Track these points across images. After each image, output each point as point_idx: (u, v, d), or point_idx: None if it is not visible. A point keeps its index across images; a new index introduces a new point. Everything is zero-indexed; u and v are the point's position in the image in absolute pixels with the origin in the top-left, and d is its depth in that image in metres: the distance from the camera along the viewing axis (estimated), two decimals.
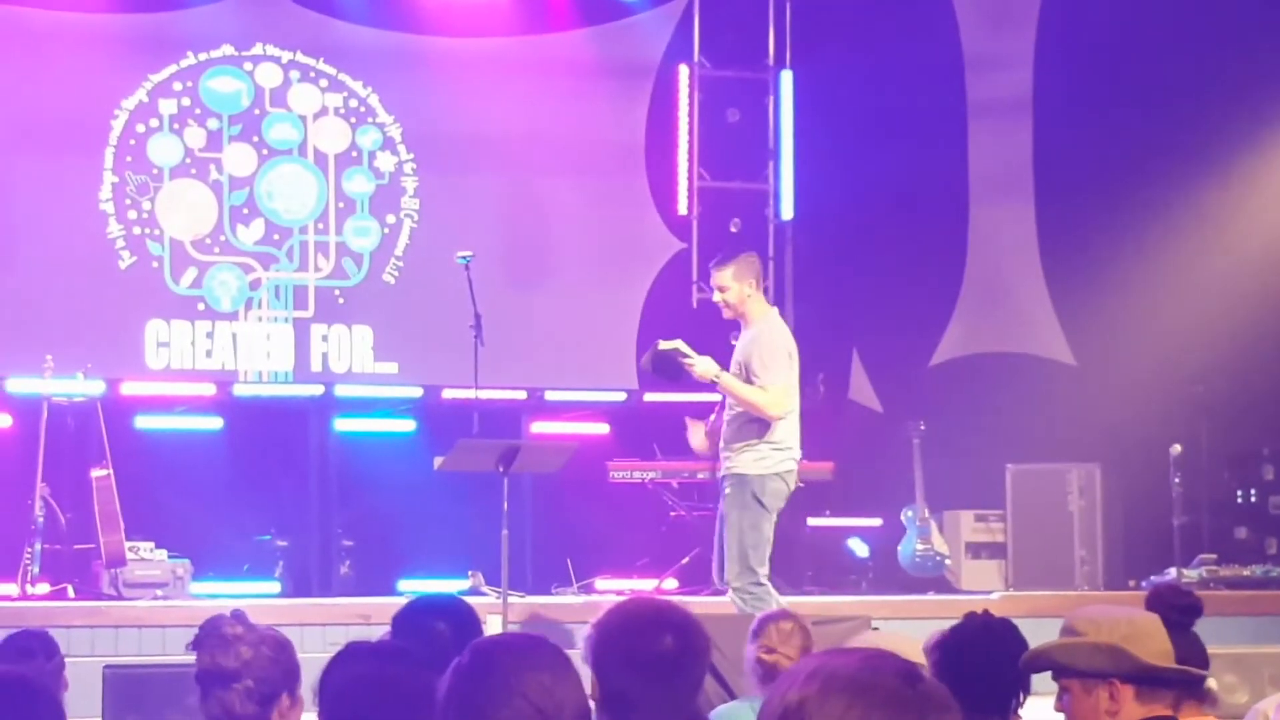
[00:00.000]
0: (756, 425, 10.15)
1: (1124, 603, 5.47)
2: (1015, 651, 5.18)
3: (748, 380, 10.09)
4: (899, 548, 13.87)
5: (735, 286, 10.14)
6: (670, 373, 10.26)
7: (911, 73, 14.87)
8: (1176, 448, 13.39)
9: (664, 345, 10.16)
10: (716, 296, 10.21)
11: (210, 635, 4.66)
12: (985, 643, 5.28)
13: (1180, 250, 14.48)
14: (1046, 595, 12.69)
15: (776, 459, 10.17)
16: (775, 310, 10.56)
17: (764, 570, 9.98)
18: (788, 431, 10.26)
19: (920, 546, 13.79)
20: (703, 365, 10.11)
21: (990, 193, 15.24)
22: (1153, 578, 13.32)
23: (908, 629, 11.17)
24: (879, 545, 14.21)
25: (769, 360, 10.09)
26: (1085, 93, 14.59)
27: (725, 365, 10.19)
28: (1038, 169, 15.15)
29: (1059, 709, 4.75)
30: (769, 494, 10.10)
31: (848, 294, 15.19)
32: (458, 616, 5.07)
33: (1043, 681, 5.13)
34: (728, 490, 10.14)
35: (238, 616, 4.69)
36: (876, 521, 14.35)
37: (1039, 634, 5.22)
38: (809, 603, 11.61)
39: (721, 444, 10.27)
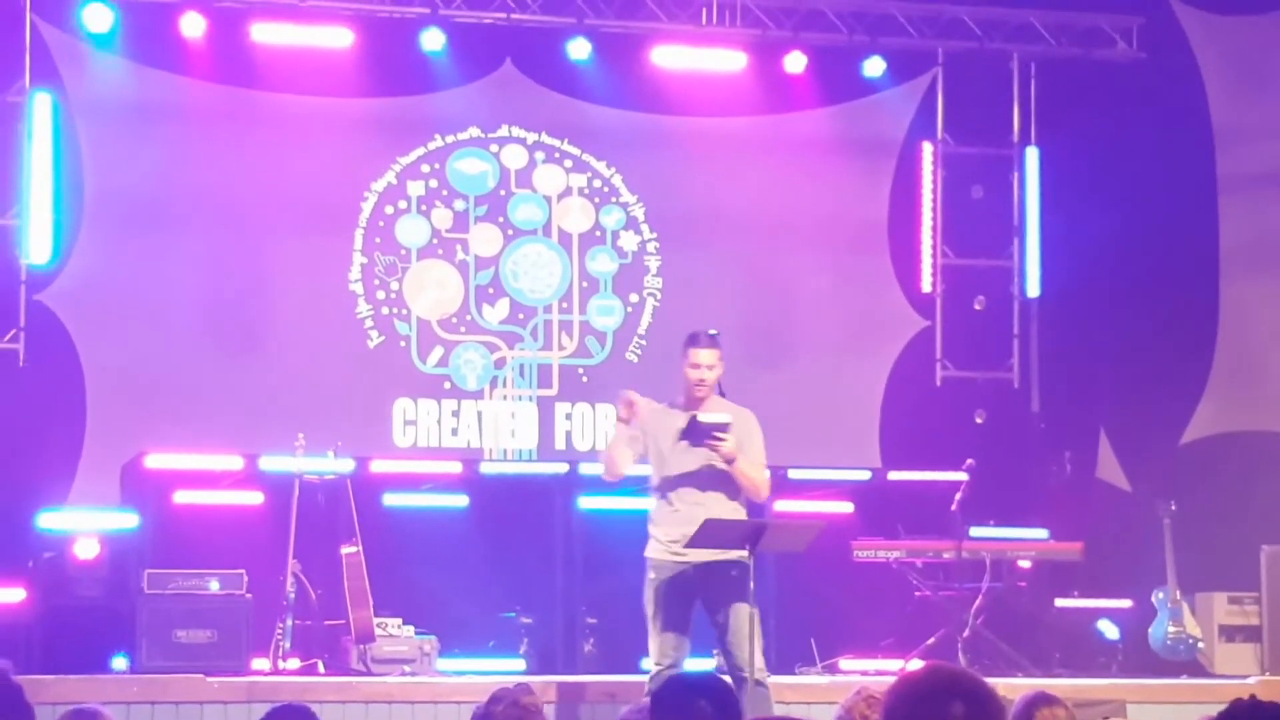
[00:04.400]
0: (742, 510, 10.04)
1: None
2: None
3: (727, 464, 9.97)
4: (1150, 630, 13.58)
5: (720, 367, 10.17)
6: (695, 440, 10.04)
7: (1159, 146, 14.67)
8: None
9: (704, 418, 9.98)
10: (706, 374, 10.10)
11: (510, 705, 4.66)
12: None
13: None
14: None
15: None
16: None
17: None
18: None
19: (1172, 629, 13.49)
20: (730, 446, 9.92)
21: (1242, 268, 14.94)
22: None
23: (1162, 714, 10.97)
24: (1129, 627, 13.92)
25: (762, 443, 10.11)
26: None
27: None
28: None
29: None
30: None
31: (1094, 371, 14.99)
32: (718, 695, 5.03)
33: None
34: (734, 574, 9.85)
35: (527, 689, 4.69)
36: (1126, 603, 14.06)
37: None
38: (1060, 685, 11.37)
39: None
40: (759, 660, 9.82)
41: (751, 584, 9.79)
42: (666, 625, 9.92)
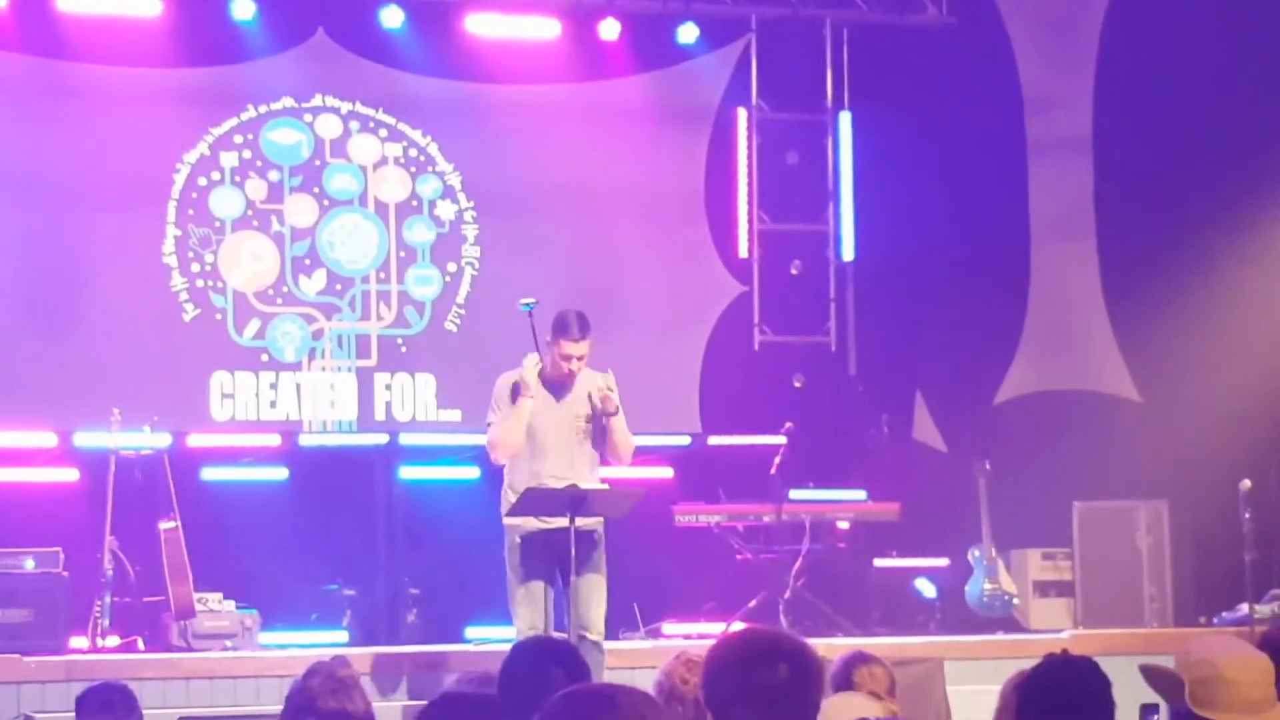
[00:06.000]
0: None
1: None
2: (1098, 689, 5.13)
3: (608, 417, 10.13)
4: (966, 588, 13.79)
5: (590, 351, 10.20)
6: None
7: (971, 113, 14.84)
8: (1246, 483, 13.22)
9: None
10: (576, 365, 10.14)
11: (326, 678, 4.62)
12: (1069, 682, 5.22)
13: (1246, 284, 14.38)
14: (1118, 633, 12.61)
15: None
16: None
17: None
18: None
19: (988, 586, 13.70)
20: (617, 398, 10.11)
21: (1052, 231, 15.19)
22: (1224, 614, 13.21)
23: (979, 670, 11.14)
24: (946, 585, 14.13)
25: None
26: (1146, 130, 14.51)
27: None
28: (1099, 207, 15.09)
29: None
30: None
31: (910, 334, 15.15)
32: (570, 661, 5.01)
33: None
34: (594, 539, 10.08)
35: (344, 661, 4.66)
36: (943, 561, 14.27)
37: (1112, 672, 5.20)
38: (879, 644, 11.50)
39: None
40: (600, 624, 9.90)
41: (573, 551, 9.85)
42: (534, 590, 9.96)
